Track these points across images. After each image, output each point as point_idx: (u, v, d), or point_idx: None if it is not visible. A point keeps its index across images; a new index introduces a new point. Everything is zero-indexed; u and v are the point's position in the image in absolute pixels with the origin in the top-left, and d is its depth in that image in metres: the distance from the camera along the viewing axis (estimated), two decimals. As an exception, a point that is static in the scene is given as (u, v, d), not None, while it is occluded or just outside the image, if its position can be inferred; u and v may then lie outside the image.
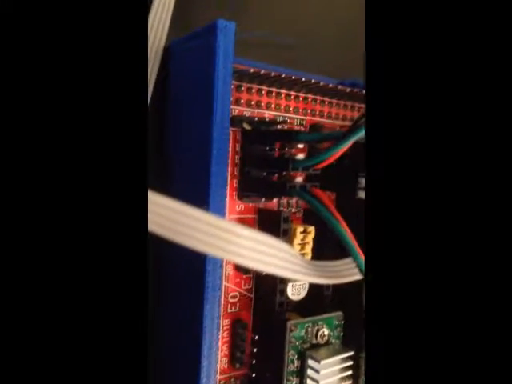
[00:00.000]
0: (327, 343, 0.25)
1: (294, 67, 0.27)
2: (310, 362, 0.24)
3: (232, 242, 0.16)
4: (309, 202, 0.22)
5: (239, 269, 0.24)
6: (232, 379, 0.25)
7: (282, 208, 0.26)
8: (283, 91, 0.25)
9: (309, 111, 0.27)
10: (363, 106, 0.29)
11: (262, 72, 0.22)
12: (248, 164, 0.24)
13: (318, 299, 0.26)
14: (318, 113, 0.27)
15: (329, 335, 0.25)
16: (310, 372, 0.24)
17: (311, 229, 0.24)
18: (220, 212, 0.21)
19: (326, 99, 0.27)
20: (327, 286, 0.26)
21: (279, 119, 0.25)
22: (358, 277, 0.22)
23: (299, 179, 0.24)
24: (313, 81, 0.24)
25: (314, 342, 0.25)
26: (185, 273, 0.23)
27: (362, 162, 0.24)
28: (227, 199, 0.24)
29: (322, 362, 0.23)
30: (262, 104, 0.24)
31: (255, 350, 0.24)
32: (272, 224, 0.24)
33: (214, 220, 0.15)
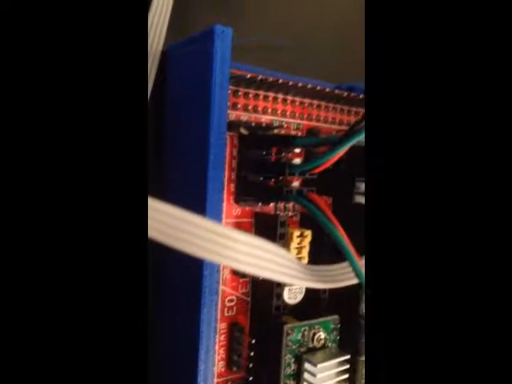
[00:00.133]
0: (324, 347, 0.25)
1: (290, 71, 0.27)
2: (307, 366, 0.24)
3: (229, 247, 0.16)
4: (305, 207, 0.22)
5: (236, 272, 0.24)
6: (229, 382, 0.25)
7: (278, 212, 0.26)
8: (280, 96, 0.25)
9: (305, 116, 0.27)
10: (360, 110, 0.29)
11: (259, 77, 0.22)
12: (245, 168, 0.24)
13: (315, 303, 0.26)
14: (314, 117, 0.27)
15: (325, 339, 0.25)
16: (306, 375, 0.24)
17: (308, 233, 0.25)
18: (217, 216, 0.21)
19: (323, 104, 0.27)
20: (323, 290, 0.26)
21: (276, 124, 0.25)
22: (355, 281, 0.22)
23: (296, 184, 0.25)
24: (309, 86, 0.24)
25: (311, 345, 0.25)
26: (182, 277, 0.23)
27: (359, 167, 0.24)
28: (224, 203, 0.24)
29: (319, 366, 0.24)
30: (259, 109, 0.25)
31: (252, 353, 0.24)
32: (269, 228, 0.24)
33: (211, 225, 0.15)
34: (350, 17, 0.35)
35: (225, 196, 0.24)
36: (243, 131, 0.23)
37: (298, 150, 0.25)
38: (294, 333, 0.24)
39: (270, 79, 0.23)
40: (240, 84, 0.23)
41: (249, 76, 0.22)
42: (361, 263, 0.21)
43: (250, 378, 0.25)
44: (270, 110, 0.25)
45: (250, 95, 0.24)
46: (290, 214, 0.27)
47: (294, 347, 0.24)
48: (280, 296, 0.24)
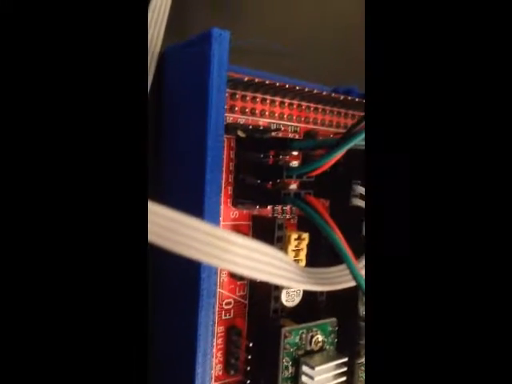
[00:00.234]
0: (321, 349, 0.25)
1: (288, 74, 0.27)
2: (305, 369, 0.24)
3: (227, 250, 0.16)
4: (303, 210, 0.22)
5: (234, 275, 0.24)
6: (226, 386, 0.25)
7: (276, 215, 0.26)
8: (277, 99, 0.25)
9: (303, 119, 0.27)
10: (357, 113, 0.29)
11: (257, 80, 0.22)
12: (242, 171, 0.24)
13: (312, 305, 0.26)
14: (311, 120, 0.27)
15: (323, 341, 0.25)
16: (304, 378, 0.24)
17: (305, 235, 0.25)
18: (214, 219, 0.21)
19: (320, 106, 0.27)
20: (321, 293, 0.26)
21: (273, 127, 0.25)
22: (352, 283, 0.22)
23: (293, 186, 0.25)
24: (307, 89, 0.24)
25: (309, 348, 0.25)
26: (179, 280, 0.23)
27: (356, 170, 0.24)
28: (222, 206, 0.24)
29: (317, 369, 0.24)
30: (257, 111, 0.25)
31: (250, 356, 0.24)
32: (266, 231, 0.24)
33: (209, 228, 0.15)
34: (348, 20, 0.35)
35: (222, 199, 0.24)
36: (241, 134, 0.23)
37: (295, 153, 0.25)
38: (292, 336, 0.24)
39: (267, 82, 0.23)
40: (237, 87, 0.23)
41: (246, 79, 0.22)
42: (358, 265, 0.21)
43: (248, 382, 0.25)
44: (267, 113, 0.25)
45: (248, 98, 0.24)
46: (288, 216, 0.27)
47: (291, 350, 0.24)
48: (278, 299, 0.24)
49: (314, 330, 0.25)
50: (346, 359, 0.25)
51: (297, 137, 0.27)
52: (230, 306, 0.25)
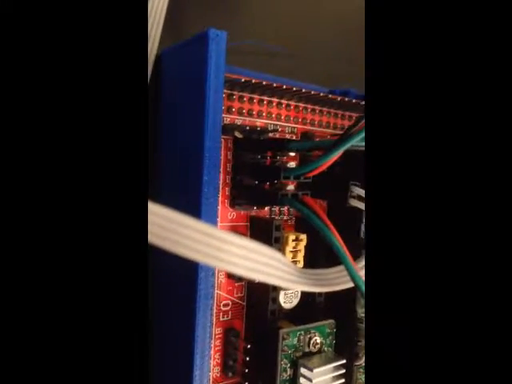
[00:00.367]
0: (320, 351, 0.25)
1: (284, 76, 0.27)
2: (303, 371, 0.24)
3: (224, 250, 0.16)
4: (300, 211, 0.22)
5: (231, 276, 0.24)
6: (224, 388, 0.25)
7: (273, 216, 0.26)
8: (274, 100, 0.25)
9: (300, 119, 0.27)
10: (354, 114, 0.29)
11: (254, 81, 0.22)
12: (240, 172, 0.24)
13: (310, 307, 0.26)
14: (309, 121, 0.27)
15: (321, 343, 0.25)
16: (302, 381, 0.24)
17: (303, 236, 0.25)
18: (212, 220, 0.21)
19: (317, 108, 0.27)
20: (319, 294, 0.26)
21: (271, 127, 0.25)
22: (350, 284, 0.22)
23: (291, 187, 0.25)
24: (304, 90, 0.24)
25: (307, 350, 0.25)
26: (177, 282, 0.23)
27: (354, 171, 0.24)
28: (219, 207, 0.24)
29: (315, 371, 0.23)
30: (254, 112, 0.25)
31: (248, 358, 0.24)
32: (264, 232, 0.24)
33: (207, 228, 0.15)
34: (345, 22, 0.35)
35: (220, 200, 0.24)
36: (238, 135, 0.23)
37: (292, 154, 0.25)
38: (290, 337, 0.24)
39: (264, 83, 0.23)
40: (234, 87, 0.23)
41: (243, 80, 0.22)
42: (356, 267, 0.21)
43: (246, 384, 0.25)
44: (264, 114, 0.25)
45: (245, 99, 0.24)
46: (285, 218, 0.27)
47: (289, 352, 0.24)
48: (275, 300, 0.24)
49: (312, 331, 0.25)
50: (344, 361, 0.25)
51: (294, 138, 0.27)
52: (228, 308, 0.25)
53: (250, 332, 0.25)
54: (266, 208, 0.25)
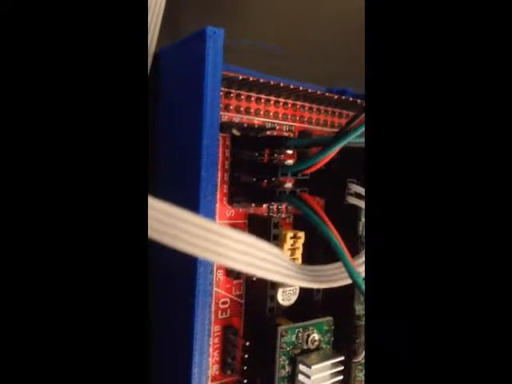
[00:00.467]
0: (318, 348, 0.25)
1: (281, 75, 0.27)
2: (301, 368, 0.24)
3: (223, 245, 0.16)
4: (298, 207, 0.22)
5: (230, 274, 0.24)
6: (223, 386, 0.25)
7: (271, 214, 0.26)
8: (272, 98, 0.26)
9: (297, 118, 0.27)
10: (351, 112, 0.29)
11: (251, 78, 0.23)
12: (238, 170, 0.24)
13: (308, 304, 0.26)
14: (306, 119, 0.27)
15: (319, 340, 0.25)
16: (301, 377, 0.24)
17: (301, 234, 0.25)
18: (210, 217, 0.21)
19: (315, 106, 0.28)
20: (317, 291, 0.26)
21: (268, 126, 0.26)
22: (348, 281, 0.22)
23: (289, 185, 0.25)
24: (301, 88, 0.24)
25: (305, 347, 0.25)
26: (176, 279, 0.23)
27: (351, 168, 0.24)
28: (217, 204, 0.24)
29: (313, 367, 0.23)
30: (251, 110, 0.25)
31: (246, 355, 0.24)
32: (262, 229, 0.24)
33: (205, 223, 0.15)
34: (343, 22, 0.35)
35: (218, 197, 0.24)
36: (235, 132, 0.24)
37: (290, 152, 0.25)
38: (288, 334, 0.24)
39: (262, 80, 0.23)
40: (232, 85, 0.24)
41: (241, 77, 0.22)
42: (354, 263, 0.21)
43: (245, 381, 0.25)
44: (262, 112, 0.25)
45: (242, 97, 0.24)
46: (283, 216, 0.27)
47: (288, 349, 0.24)
48: (274, 298, 0.24)
49: (311, 328, 0.25)
50: (342, 358, 0.25)
51: (292, 136, 0.27)
52: (227, 306, 0.25)
53: (248, 329, 0.25)
54: (264, 206, 0.26)
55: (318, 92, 0.25)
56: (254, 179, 0.23)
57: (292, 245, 0.24)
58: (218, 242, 0.16)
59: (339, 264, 0.22)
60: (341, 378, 0.25)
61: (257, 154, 0.23)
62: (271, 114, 0.26)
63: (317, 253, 0.26)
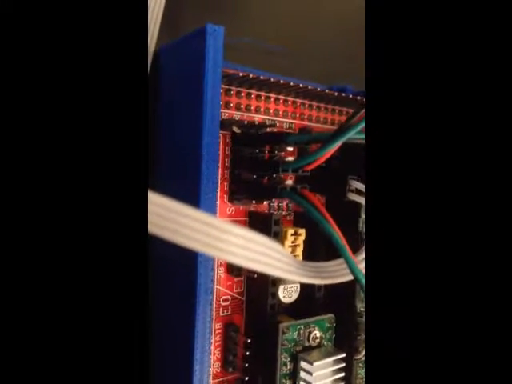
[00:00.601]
0: (319, 345, 0.25)
1: (281, 74, 0.27)
2: (303, 364, 0.24)
3: (223, 239, 0.16)
4: (299, 203, 0.22)
5: (231, 271, 0.24)
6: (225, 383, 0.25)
7: (272, 211, 0.26)
8: (272, 95, 0.26)
9: (297, 115, 0.27)
10: (351, 110, 0.29)
11: (251, 76, 0.23)
12: (238, 167, 0.24)
13: (310, 301, 0.26)
14: (306, 117, 0.27)
15: (321, 337, 0.25)
16: (302, 374, 0.24)
17: (302, 231, 0.25)
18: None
19: (315, 103, 0.28)
20: (318, 288, 0.26)
21: (268, 123, 0.26)
22: (350, 277, 0.22)
23: (289, 182, 0.25)
24: (301, 85, 0.24)
25: (307, 344, 0.25)
26: (177, 277, 0.23)
27: (352, 164, 0.24)
28: (218, 202, 0.24)
29: (315, 364, 0.23)
30: (252, 108, 0.25)
31: (248, 353, 0.24)
32: (263, 226, 0.24)
33: (205, 218, 0.15)
34: (342, 20, 0.35)
35: (218, 195, 0.24)
36: (236, 130, 0.24)
37: (290, 149, 0.25)
38: (290, 331, 0.24)
39: (262, 78, 0.23)
40: (232, 83, 0.24)
41: (241, 74, 0.22)
42: (355, 260, 0.21)
43: (246, 378, 0.25)
44: (262, 109, 0.25)
45: (243, 94, 0.24)
46: (284, 213, 0.27)
47: (289, 346, 0.24)
48: (275, 295, 0.24)
49: (312, 326, 0.25)
50: (343, 355, 0.25)
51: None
52: (228, 303, 0.25)
53: (249, 327, 0.25)
54: (265, 203, 0.26)
55: (318, 89, 0.25)
56: (255, 176, 0.23)
57: (293, 242, 0.25)
58: (218, 237, 0.16)
59: (340, 260, 0.22)
60: (342, 375, 0.25)
61: (257, 151, 0.23)
62: (271, 111, 0.26)
63: (318, 250, 0.26)
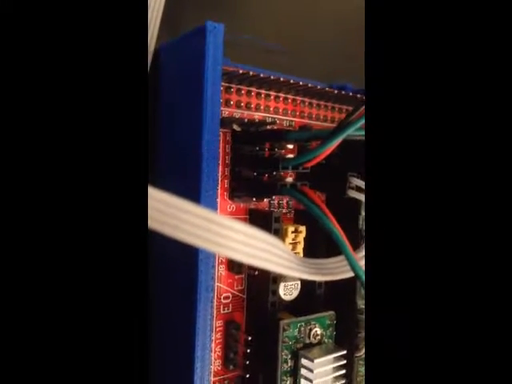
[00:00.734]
0: (320, 343, 0.25)
1: (281, 72, 0.27)
2: (304, 362, 0.24)
3: (224, 235, 0.16)
4: (300, 200, 0.22)
5: (231, 268, 0.24)
6: (226, 381, 0.25)
7: (272, 208, 0.26)
8: (272, 93, 0.26)
9: (297, 113, 0.27)
10: (351, 108, 0.29)
11: (251, 73, 0.23)
12: (238, 164, 0.24)
13: (310, 299, 0.26)
14: (306, 115, 0.27)
15: (321, 334, 0.25)
16: (303, 371, 0.24)
17: (302, 228, 0.25)
18: (211, 212, 0.21)
19: (315, 101, 0.28)
20: (319, 286, 0.26)
21: (268, 120, 0.26)
22: (350, 274, 0.22)
23: (289, 179, 0.25)
24: (301, 83, 0.24)
25: (307, 341, 0.25)
26: (177, 274, 0.23)
27: (352, 162, 0.24)
28: (218, 199, 0.24)
29: (316, 361, 0.23)
30: (252, 106, 0.25)
31: (248, 350, 0.24)
32: (263, 224, 0.24)
33: (206, 213, 0.15)
34: (342, 19, 0.35)
35: (219, 192, 0.24)
36: (236, 128, 0.24)
37: (290, 146, 0.25)
38: (291, 329, 0.24)
39: (262, 75, 0.23)
40: (232, 81, 0.24)
41: (241, 71, 0.22)
42: (356, 256, 0.21)
43: (247, 376, 0.25)
44: (262, 107, 0.25)
45: (243, 92, 0.24)
46: (285, 210, 0.27)
47: (290, 343, 0.24)
48: (276, 292, 0.24)
49: (313, 323, 0.25)
50: (344, 352, 0.25)
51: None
52: (229, 300, 0.25)
53: (250, 324, 0.25)
54: (265, 200, 0.26)
55: (318, 87, 0.25)
56: (255, 174, 0.23)
57: (293, 239, 0.25)
58: (219, 233, 0.16)
59: (341, 257, 0.22)
60: (343, 372, 0.25)
61: (257, 149, 0.23)
62: (271, 109, 0.26)
63: (318, 247, 0.26)
